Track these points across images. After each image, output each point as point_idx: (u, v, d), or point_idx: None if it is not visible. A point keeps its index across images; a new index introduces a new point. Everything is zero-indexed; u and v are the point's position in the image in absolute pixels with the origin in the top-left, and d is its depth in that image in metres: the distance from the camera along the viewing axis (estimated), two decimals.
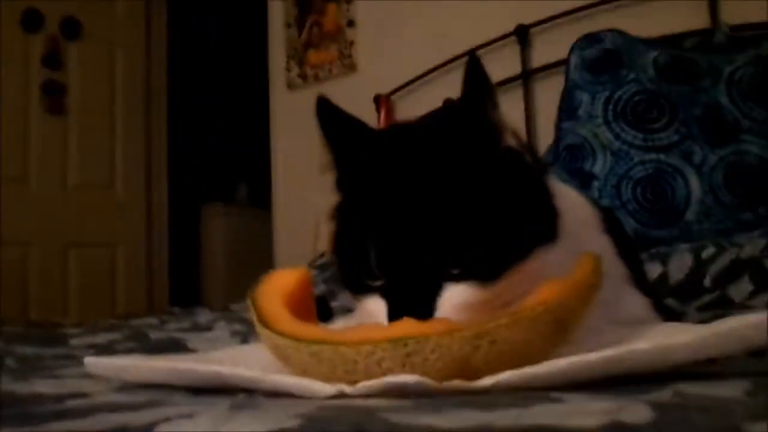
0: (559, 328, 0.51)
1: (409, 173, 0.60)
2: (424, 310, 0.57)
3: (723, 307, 1.16)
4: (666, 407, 0.36)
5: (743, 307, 1.14)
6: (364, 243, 0.60)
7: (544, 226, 0.61)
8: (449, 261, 0.58)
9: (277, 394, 0.51)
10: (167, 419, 0.38)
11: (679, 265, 1.39)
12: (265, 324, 0.56)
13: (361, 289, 0.63)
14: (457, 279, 0.58)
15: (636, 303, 0.74)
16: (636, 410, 0.36)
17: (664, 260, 1.37)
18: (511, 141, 0.62)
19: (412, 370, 0.48)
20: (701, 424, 0.32)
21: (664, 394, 0.41)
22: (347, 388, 0.49)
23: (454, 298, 0.58)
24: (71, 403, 0.49)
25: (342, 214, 0.65)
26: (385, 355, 0.49)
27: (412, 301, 0.58)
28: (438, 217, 0.58)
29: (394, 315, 0.58)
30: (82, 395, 0.53)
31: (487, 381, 0.47)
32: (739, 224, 1.50)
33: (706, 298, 1.26)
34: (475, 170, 0.60)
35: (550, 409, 0.38)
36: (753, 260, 1.29)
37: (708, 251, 1.38)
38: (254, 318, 0.57)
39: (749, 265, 1.28)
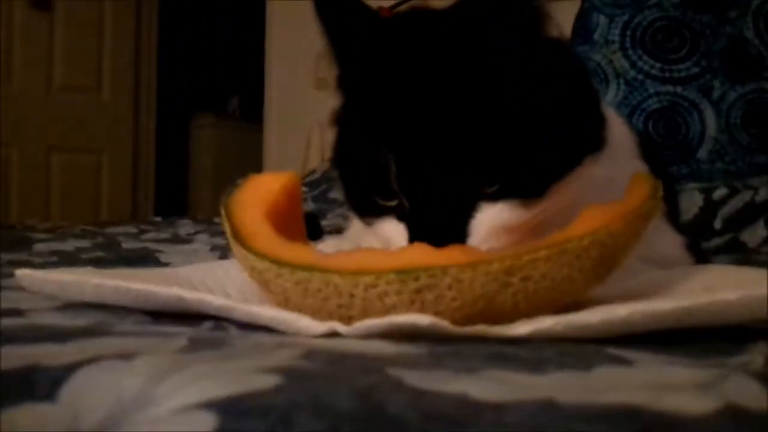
0: (603, 264, 0.42)
1: (437, 66, 0.49)
2: (455, 234, 0.48)
3: (737, 252, 1.10)
4: None
5: (759, 253, 1.08)
6: (378, 153, 0.49)
7: (592, 132, 0.52)
8: (486, 175, 0.48)
9: (252, 326, 0.42)
10: (96, 359, 0.29)
11: (689, 205, 1.34)
12: (241, 241, 0.46)
13: (371, 210, 0.52)
14: (495, 197, 0.49)
15: (669, 241, 0.66)
16: (742, 386, 0.27)
17: None
18: (554, 32, 0.52)
19: (422, 309, 0.39)
20: None
21: (754, 360, 0.32)
22: (340, 327, 0.39)
23: (491, 220, 0.48)
24: None
25: (348, 118, 0.54)
26: (390, 288, 0.39)
27: (440, 223, 0.48)
28: (473, 120, 0.47)
29: (417, 240, 0.47)
30: (15, 313, 0.44)
31: (521, 328, 0.38)
32: (752, 167, 1.46)
33: (717, 240, 1.21)
34: (515, 63, 0.49)
35: (622, 376, 0.29)
36: None
37: (720, 192, 1.34)
38: (228, 233, 0.47)
39: (765, 210, 1.22)
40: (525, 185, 0.49)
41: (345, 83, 0.55)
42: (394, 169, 0.49)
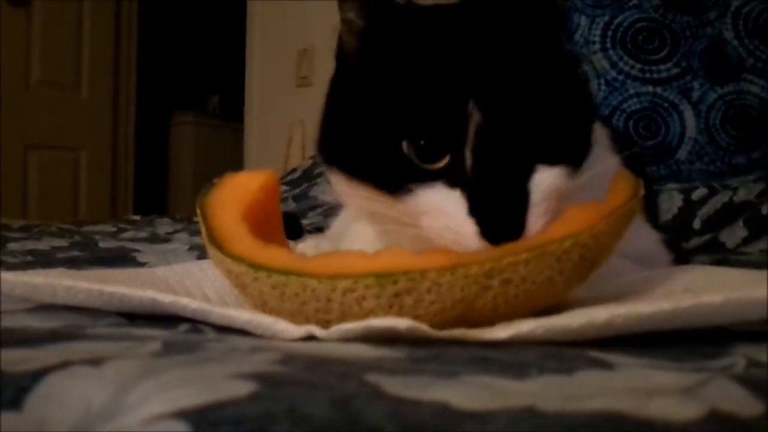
0: (584, 266, 0.41)
1: (492, 34, 0.53)
2: (519, 192, 0.49)
3: (716, 252, 1.10)
4: (764, 388, 0.27)
5: (738, 253, 1.08)
6: (453, 107, 0.49)
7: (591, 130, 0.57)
8: (544, 140, 0.51)
9: (230, 328, 0.42)
10: (64, 365, 0.28)
11: (669, 205, 1.35)
12: (217, 243, 0.45)
13: (409, 176, 0.51)
14: (551, 162, 0.51)
15: (647, 237, 0.66)
16: (726, 390, 0.26)
17: None
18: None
19: (401, 313, 0.39)
20: None
21: (737, 363, 0.32)
22: (318, 331, 0.39)
23: (550, 179, 0.50)
24: None
25: (401, 80, 0.53)
26: (369, 292, 0.39)
27: (505, 182, 0.49)
28: (532, 90, 0.51)
29: (480, 201, 0.48)
30: None
31: (501, 332, 0.37)
32: (731, 167, 1.47)
33: (696, 240, 1.22)
34: (550, 50, 0.55)
35: (604, 381, 0.29)
36: (748, 205, 1.24)
37: (699, 192, 1.35)
38: (203, 235, 0.46)
39: (743, 210, 1.23)
40: (571, 153, 0.53)
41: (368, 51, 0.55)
42: (479, 120, 0.49)
